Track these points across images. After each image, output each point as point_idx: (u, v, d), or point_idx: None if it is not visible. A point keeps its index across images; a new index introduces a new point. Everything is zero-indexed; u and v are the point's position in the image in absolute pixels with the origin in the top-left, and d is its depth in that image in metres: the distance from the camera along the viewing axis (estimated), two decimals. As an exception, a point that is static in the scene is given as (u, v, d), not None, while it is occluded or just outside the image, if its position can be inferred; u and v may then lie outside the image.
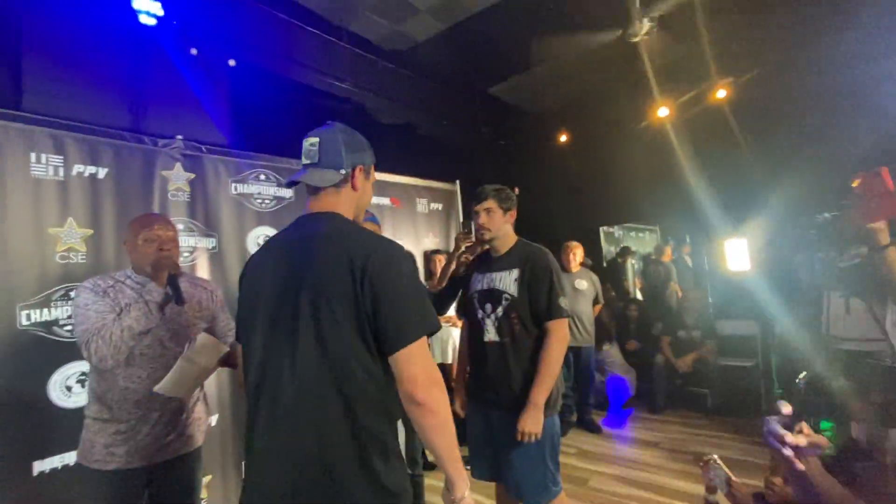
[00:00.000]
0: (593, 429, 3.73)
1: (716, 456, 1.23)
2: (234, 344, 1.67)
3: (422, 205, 4.16)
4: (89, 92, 2.48)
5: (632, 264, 6.37)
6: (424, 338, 0.99)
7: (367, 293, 0.95)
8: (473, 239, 2.77)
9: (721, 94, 4.26)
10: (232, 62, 2.97)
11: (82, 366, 2.14)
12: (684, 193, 4.53)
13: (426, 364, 0.98)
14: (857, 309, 2.45)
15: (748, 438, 3.34)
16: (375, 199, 3.71)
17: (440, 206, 4.34)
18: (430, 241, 4.12)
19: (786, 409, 0.89)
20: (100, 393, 1.49)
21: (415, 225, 4.04)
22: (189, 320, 1.64)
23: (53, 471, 2.02)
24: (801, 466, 0.85)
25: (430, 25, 3.88)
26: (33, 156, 2.12)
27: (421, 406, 0.95)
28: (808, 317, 2.72)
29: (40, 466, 2.01)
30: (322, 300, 0.96)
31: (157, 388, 1.44)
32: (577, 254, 3.73)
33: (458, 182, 4.55)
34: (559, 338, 1.73)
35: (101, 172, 2.32)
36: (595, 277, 3.80)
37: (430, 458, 3.33)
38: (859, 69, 3.42)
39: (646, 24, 3.41)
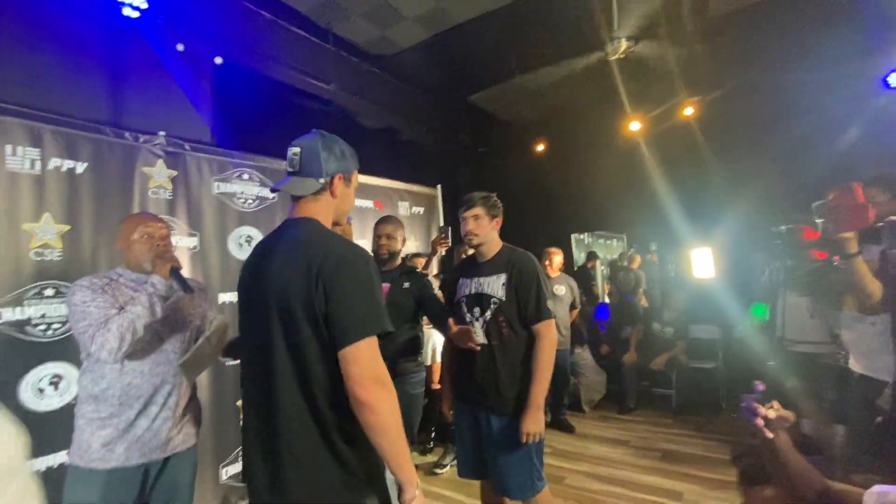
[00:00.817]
0: (567, 429, 3.85)
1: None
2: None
3: (404, 208, 4.20)
4: (69, 84, 2.39)
5: (601, 270, 6.60)
6: (372, 338, 1.02)
7: (319, 294, 1.01)
8: (450, 242, 2.86)
9: (689, 111, 4.51)
10: (218, 60, 2.93)
11: (56, 367, 2.07)
12: (653, 204, 4.78)
13: (370, 363, 1.00)
14: (805, 312, 2.68)
15: (710, 436, 3.55)
16: (359, 202, 3.72)
17: (422, 210, 4.40)
18: (412, 245, 4.16)
19: (760, 386, 1.01)
20: (96, 392, 1.46)
21: (396, 228, 4.08)
22: (186, 315, 1.64)
23: (41, 473, 1.94)
24: (769, 434, 0.97)
25: (415, 33, 3.94)
26: (9, 148, 2.04)
27: (363, 405, 0.97)
28: (762, 321, 2.95)
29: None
30: (285, 302, 1.04)
31: (179, 364, 1.50)
32: (555, 260, 3.85)
33: (439, 187, 4.62)
34: (549, 338, 1.80)
35: (80, 167, 2.24)
36: (573, 283, 3.93)
37: (421, 457, 3.37)
38: (817, 94, 3.73)
39: (623, 44, 3.61)
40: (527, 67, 4.35)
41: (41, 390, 2.02)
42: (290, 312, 1.03)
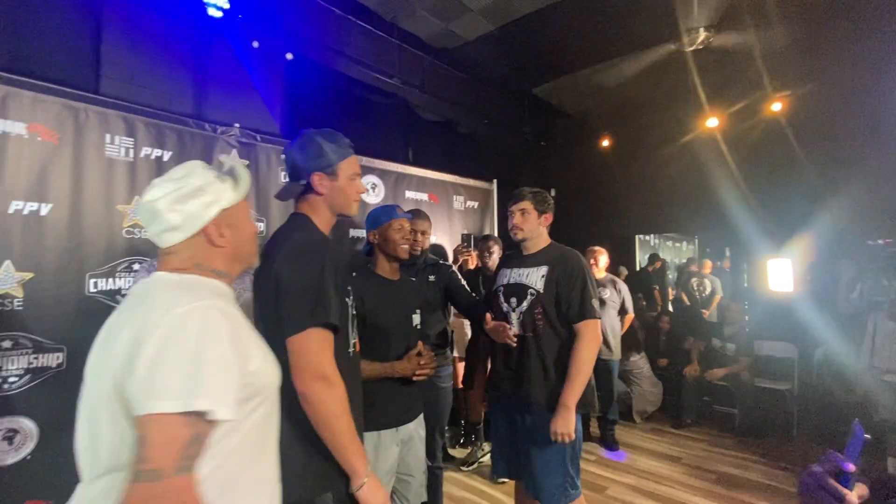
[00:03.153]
0: (611, 446, 3.56)
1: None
2: None
3: (458, 202, 4.21)
4: (159, 79, 2.65)
5: (666, 274, 6.22)
6: (319, 330, 1.02)
7: (273, 286, 1.06)
8: (472, 252, 2.82)
9: (776, 107, 4.09)
10: (289, 56, 3.10)
11: (139, 333, 2.33)
12: (727, 207, 4.40)
13: (309, 356, 1.00)
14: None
15: (775, 463, 3.25)
16: (414, 195, 3.79)
17: (476, 204, 4.39)
18: (464, 238, 4.17)
19: (849, 466, 0.74)
20: None
21: (450, 221, 4.11)
22: None
23: (109, 426, 2.22)
24: None
25: (479, 25, 3.91)
26: (108, 137, 2.30)
27: (303, 398, 0.99)
28: (850, 345, 2.64)
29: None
30: (261, 294, 1.12)
31: None
32: (601, 259, 3.57)
33: (495, 181, 4.58)
34: (590, 339, 1.74)
35: (166, 155, 2.48)
36: (623, 286, 3.65)
37: (452, 452, 3.42)
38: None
39: (701, 34, 3.33)
40: (595, 60, 4.17)
41: (126, 353, 2.30)
42: (263, 304, 1.10)
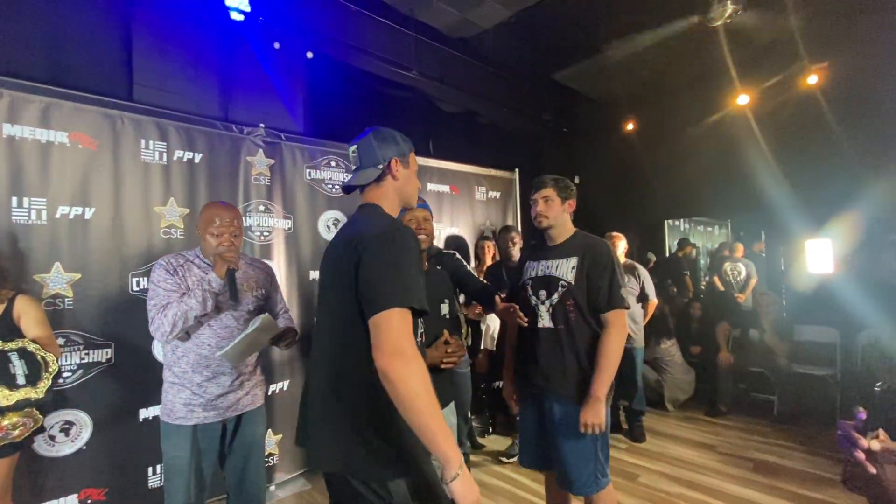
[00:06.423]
0: (638, 438, 3.45)
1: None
2: (289, 326, 1.90)
3: (480, 193, 4.21)
4: (187, 84, 2.74)
5: (698, 259, 6.03)
6: (401, 310, 1.01)
7: (355, 266, 1.07)
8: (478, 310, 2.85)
9: (812, 79, 3.88)
10: (309, 54, 3.15)
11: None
12: (760, 188, 4.22)
13: (394, 335, 0.98)
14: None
15: (818, 451, 3.14)
16: (435, 187, 3.81)
17: (498, 195, 4.37)
18: (488, 231, 4.17)
19: (861, 414, 0.89)
20: (173, 360, 1.74)
21: (472, 212, 4.11)
22: (242, 296, 1.83)
23: (155, 418, 2.34)
24: (872, 470, 0.84)
25: (496, 12, 3.86)
26: (143, 142, 2.41)
27: (384, 375, 0.97)
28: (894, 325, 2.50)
29: (145, 413, 2.34)
30: (337, 278, 1.14)
31: (219, 355, 1.67)
32: (619, 245, 3.47)
33: (517, 171, 4.55)
34: (618, 328, 1.73)
35: (197, 157, 2.58)
36: (643, 272, 3.53)
37: (482, 441, 3.45)
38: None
39: (729, 7, 3.18)
40: (616, 36, 4.01)
41: (168, 347, 2.41)
42: (340, 286, 1.11)
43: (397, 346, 0.98)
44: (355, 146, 1.26)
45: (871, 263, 3.16)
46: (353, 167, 1.29)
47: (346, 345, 1.11)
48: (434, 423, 0.96)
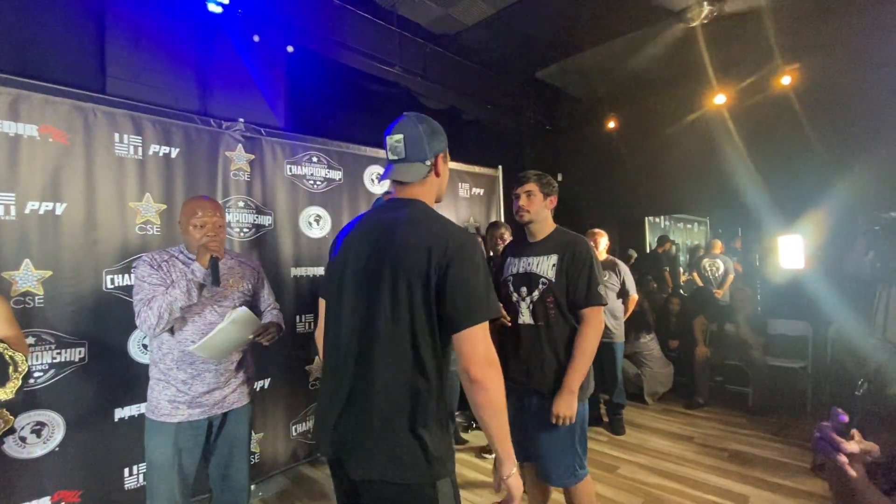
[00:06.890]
0: (617, 431, 3.51)
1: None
2: (271, 321, 1.87)
3: (464, 189, 4.22)
4: (164, 77, 2.68)
5: (677, 256, 6.16)
6: (486, 322, 1.05)
7: (439, 276, 1.04)
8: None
9: (786, 80, 4.00)
10: (290, 48, 3.11)
11: (156, 327, 2.40)
12: (736, 186, 4.33)
13: (486, 345, 1.04)
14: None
15: (790, 440, 3.25)
16: (419, 183, 3.80)
17: (482, 192, 4.39)
18: (472, 228, 4.18)
19: (843, 416, 0.86)
20: (159, 357, 1.72)
21: (456, 209, 4.12)
22: (228, 292, 1.81)
23: (131, 418, 2.30)
24: (853, 474, 0.83)
25: (479, 9, 3.87)
26: (116, 136, 2.34)
27: (475, 383, 1.02)
28: (861, 319, 2.61)
29: (120, 413, 2.29)
30: (401, 277, 1.06)
31: (192, 349, 1.63)
32: (601, 242, 3.49)
33: (500, 168, 4.57)
34: (594, 325, 1.76)
35: (174, 152, 2.53)
36: (624, 268, 3.55)
37: (464, 436, 3.47)
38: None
39: (705, 8, 3.25)
40: (598, 39, 4.09)
41: (144, 346, 2.35)
42: (406, 287, 1.05)
43: (490, 357, 1.05)
44: (400, 135, 1.16)
45: (838, 259, 3.28)
46: (394, 157, 1.18)
47: (399, 349, 1.06)
48: (507, 425, 1.07)
